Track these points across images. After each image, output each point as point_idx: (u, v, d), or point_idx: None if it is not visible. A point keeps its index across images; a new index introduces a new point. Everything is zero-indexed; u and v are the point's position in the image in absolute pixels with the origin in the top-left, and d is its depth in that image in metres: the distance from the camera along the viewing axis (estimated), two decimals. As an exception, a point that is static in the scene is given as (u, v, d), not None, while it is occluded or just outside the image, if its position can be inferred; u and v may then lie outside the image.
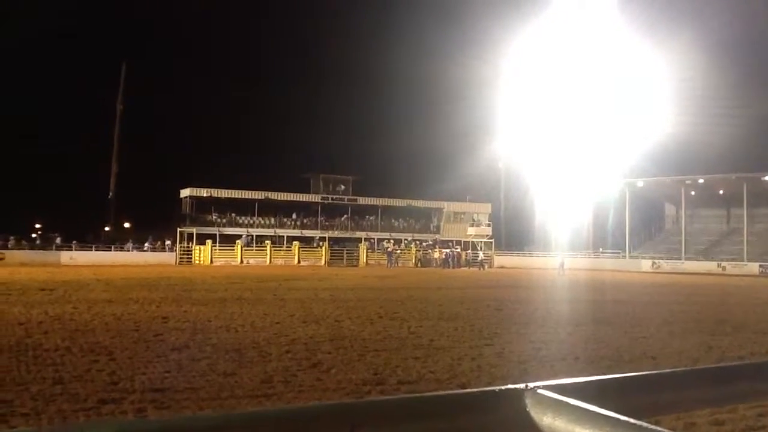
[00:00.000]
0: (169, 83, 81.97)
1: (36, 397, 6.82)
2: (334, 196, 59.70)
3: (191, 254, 51.39)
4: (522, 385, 1.16)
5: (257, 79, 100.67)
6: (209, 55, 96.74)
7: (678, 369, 1.51)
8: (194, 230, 53.09)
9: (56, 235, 53.52)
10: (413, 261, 55.77)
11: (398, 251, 56.47)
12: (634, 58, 59.08)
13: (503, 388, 1.16)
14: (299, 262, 52.39)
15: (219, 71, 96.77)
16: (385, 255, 54.75)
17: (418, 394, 1.16)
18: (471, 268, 52.10)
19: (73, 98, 77.04)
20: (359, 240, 58.20)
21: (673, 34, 58.38)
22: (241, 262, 50.56)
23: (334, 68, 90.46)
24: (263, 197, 56.57)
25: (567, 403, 1.10)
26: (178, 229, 53.00)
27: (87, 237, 53.61)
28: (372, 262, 54.40)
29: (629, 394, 1.25)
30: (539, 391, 1.14)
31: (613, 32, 59.96)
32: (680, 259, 56.51)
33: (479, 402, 1.15)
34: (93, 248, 50.29)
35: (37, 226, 66.81)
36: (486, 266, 53.94)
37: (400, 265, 53.60)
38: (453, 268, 51.81)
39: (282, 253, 53.67)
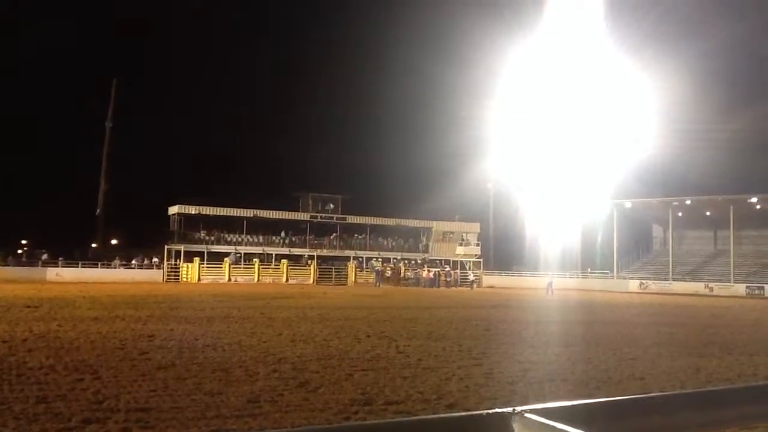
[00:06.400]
0: (158, 101, 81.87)
1: (19, 416, 6.73)
2: (323, 215, 59.60)
3: (179, 272, 51.03)
4: (509, 409, 1.15)
5: (247, 97, 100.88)
6: (199, 73, 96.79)
7: (666, 393, 1.51)
8: (182, 247, 52.77)
9: (43, 251, 53.09)
10: (401, 280, 55.44)
11: (388, 271, 56.27)
12: (622, 80, 59.66)
13: (491, 412, 1.15)
14: (287, 280, 52.15)
15: (209, 89, 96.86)
16: (374, 273, 54.62)
17: (405, 418, 1.15)
18: (459, 288, 52.19)
19: (62, 115, 76.74)
20: (348, 259, 58.09)
21: (660, 56, 59.05)
22: (229, 280, 50.27)
23: (324, 87, 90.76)
24: (252, 215, 56.40)
25: (554, 428, 1.09)
26: (166, 247, 52.70)
27: (74, 254, 53.18)
28: (361, 280, 54.23)
29: (617, 418, 1.25)
30: (527, 415, 1.13)
31: (601, 55, 60.58)
32: (668, 280, 56.74)
33: (466, 426, 1.14)
34: (79, 265, 49.87)
35: (24, 242, 66.32)
36: (475, 285, 53.99)
37: (390, 284, 53.29)
38: (440, 287, 51.80)
39: (270, 271, 53.43)
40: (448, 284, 53.15)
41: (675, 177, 62.05)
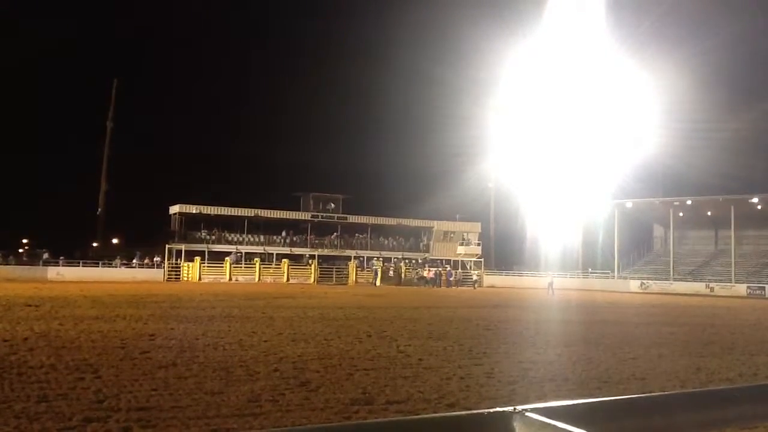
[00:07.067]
0: (158, 101, 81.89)
1: (20, 415, 6.74)
2: (324, 215, 59.60)
3: (180, 271, 51.07)
4: (510, 408, 1.15)
5: (247, 97, 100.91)
6: (199, 73, 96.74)
7: (667, 392, 1.51)
8: (183, 247, 52.81)
9: (44, 250, 53.08)
10: (401, 279, 55.31)
11: (390, 271, 56.22)
12: (623, 80, 59.65)
13: (491, 411, 1.15)
14: (288, 280, 52.14)
15: (209, 89, 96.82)
16: (373, 273, 54.60)
17: (406, 417, 1.15)
18: (461, 287, 52.22)
19: (62, 115, 76.76)
20: (349, 258, 58.10)
21: (661, 56, 59.00)
22: (230, 279, 50.30)
23: (324, 87, 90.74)
24: (253, 215, 56.41)
25: (555, 427, 1.09)
26: (167, 246, 52.71)
27: (75, 253, 53.18)
28: (362, 280, 54.20)
29: (618, 417, 1.25)
30: (527, 413, 1.14)
31: (601, 54, 60.56)
32: (668, 280, 56.69)
33: (467, 425, 1.14)
34: (80, 264, 49.88)
35: (24, 241, 66.31)
36: (476, 285, 54.03)
37: (392, 284, 53.16)
38: (441, 286, 51.79)
39: (271, 270, 53.45)
40: (450, 284, 53.19)
41: (676, 177, 62.14)
